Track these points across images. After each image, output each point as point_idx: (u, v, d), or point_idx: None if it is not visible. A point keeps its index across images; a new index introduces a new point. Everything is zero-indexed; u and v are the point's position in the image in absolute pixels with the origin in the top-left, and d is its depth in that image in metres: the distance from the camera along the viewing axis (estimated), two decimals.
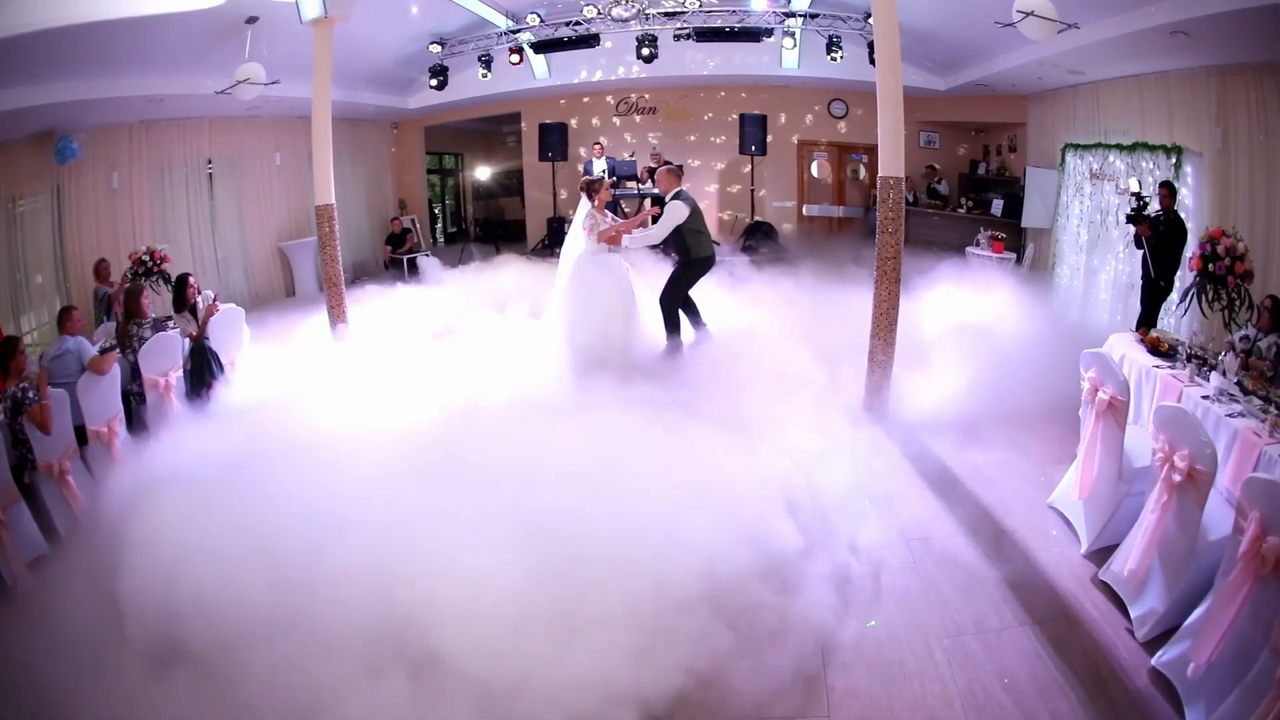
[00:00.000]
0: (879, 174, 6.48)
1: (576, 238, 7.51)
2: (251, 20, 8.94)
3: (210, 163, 11.79)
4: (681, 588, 3.79)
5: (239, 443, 5.29)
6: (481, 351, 7.30)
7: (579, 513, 4.11)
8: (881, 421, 6.20)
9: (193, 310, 7.35)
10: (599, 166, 12.99)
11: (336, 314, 8.27)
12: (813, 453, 5.30)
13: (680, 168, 7.89)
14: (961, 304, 8.76)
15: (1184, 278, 7.64)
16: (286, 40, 9.00)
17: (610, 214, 7.76)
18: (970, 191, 14.27)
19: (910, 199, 14.21)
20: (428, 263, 12.74)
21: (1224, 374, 4.85)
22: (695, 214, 7.56)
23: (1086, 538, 4.65)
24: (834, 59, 11.85)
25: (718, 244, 8.86)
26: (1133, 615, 3.96)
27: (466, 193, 18.35)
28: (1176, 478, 3.73)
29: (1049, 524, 5.00)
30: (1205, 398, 4.70)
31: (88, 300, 8.88)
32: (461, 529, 3.93)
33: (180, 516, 4.02)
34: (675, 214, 7.40)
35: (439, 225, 17.88)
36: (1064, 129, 11.20)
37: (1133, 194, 7.98)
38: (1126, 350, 5.82)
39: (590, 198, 7.42)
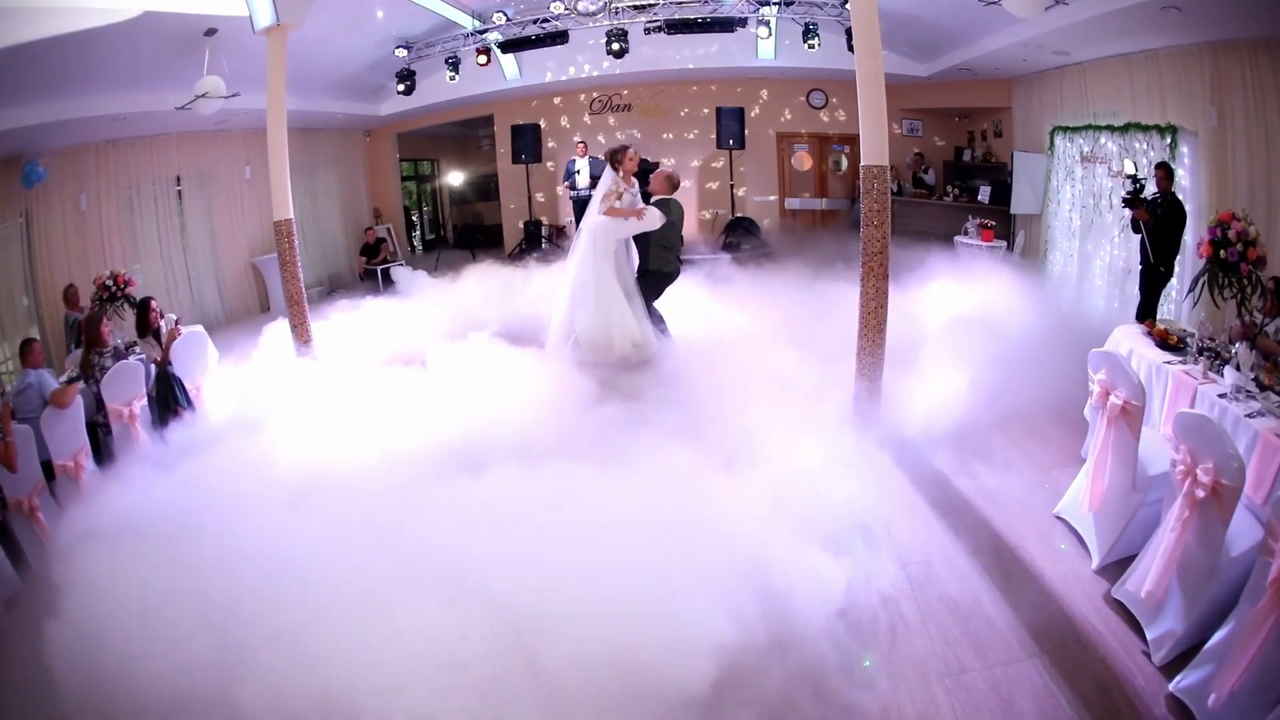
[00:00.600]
0: (861, 163, 6.03)
1: (595, 208, 7.52)
2: (210, 32, 8.64)
3: (179, 180, 11.47)
4: (655, 651, 3.35)
5: (186, 489, 5.04)
6: (446, 382, 6.87)
7: (541, 568, 3.69)
8: (873, 428, 5.69)
9: (156, 335, 7.09)
10: (581, 166, 12.54)
11: (300, 334, 7.93)
12: (800, 471, 4.84)
13: (677, 180, 7.54)
14: (953, 297, 8.44)
15: (1184, 262, 7.36)
16: (247, 51, 8.63)
17: (636, 183, 7.66)
18: (956, 179, 13.90)
19: (895, 189, 13.88)
20: (402, 273, 12.25)
21: (1238, 368, 4.49)
22: (670, 228, 7.41)
23: (1098, 552, 4.28)
24: (811, 47, 11.40)
25: (698, 250, 8.60)
26: (1149, 637, 3.63)
27: (444, 199, 17.92)
28: (1200, 493, 3.38)
29: (1056, 537, 4.62)
30: (1221, 396, 4.33)
31: (60, 327, 8.64)
32: (402, 589, 3.54)
33: (114, 572, 3.76)
34: (649, 220, 7.29)
35: (416, 232, 17.42)
36: (1051, 112, 10.86)
37: (1128, 176, 7.61)
38: (1134, 345, 5.44)
39: (615, 167, 7.40)
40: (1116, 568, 4.12)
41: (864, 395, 6.10)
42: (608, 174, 7.47)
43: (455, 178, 16.10)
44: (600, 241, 7.35)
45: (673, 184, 7.61)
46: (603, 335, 7.32)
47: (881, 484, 5.08)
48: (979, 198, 12.64)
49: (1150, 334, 5.45)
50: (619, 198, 7.37)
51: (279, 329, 8.37)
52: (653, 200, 7.49)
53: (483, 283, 10.88)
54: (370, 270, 13.18)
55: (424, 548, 3.87)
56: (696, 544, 3.94)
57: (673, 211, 7.42)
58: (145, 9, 7.73)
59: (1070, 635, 3.75)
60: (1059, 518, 4.78)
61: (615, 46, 11.18)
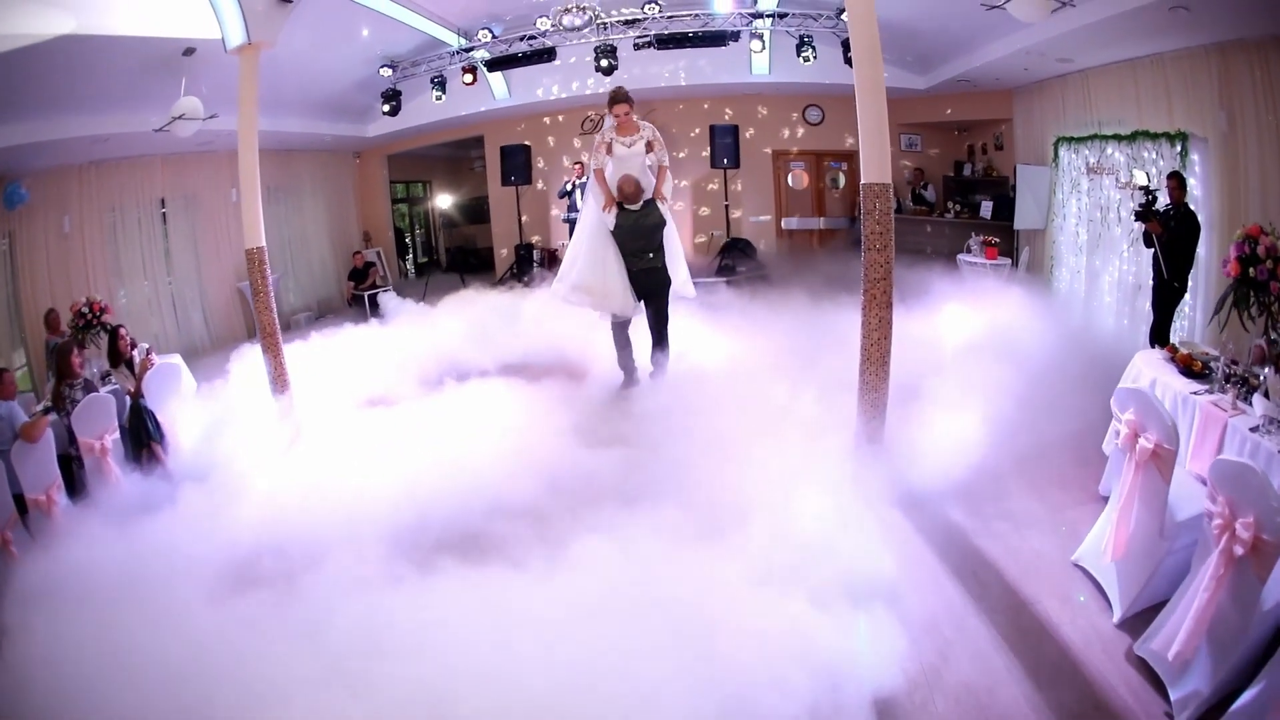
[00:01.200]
0: (862, 180, 5.51)
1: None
2: (189, 52, 8.42)
3: (164, 202, 11.24)
4: None
5: (133, 549, 4.79)
6: (414, 432, 6.45)
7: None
8: (876, 474, 5.09)
9: (129, 364, 7.02)
10: (578, 188, 12.15)
11: (274, 368, 7.30)
12: (794, 533, 4.29)
13: (627, 190, 7.23)
14: (960, 322, 8.01)
15: (1197, 277, 6.95)
16: (227, 72, 8.26)
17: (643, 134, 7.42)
18: (956, 195, 13.54)
19: (895, 206, 13.49)
20: (390, 300, 11.85)
21: (1267, 395, 4.05)
22: (620, 233, 7.25)
23: (1119, 605, 3.83)
24: (805, 59, 11.01)
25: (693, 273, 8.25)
26: (1173, 698, 3.22)
27: (436, 222, 17.59)
28: (1238, 550, 2.94)
29: (1074, 586, 4.15)
30: (1253, 430, 3.88)
31: (42, 352, 8.52)
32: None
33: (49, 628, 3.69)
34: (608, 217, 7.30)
35: (410, 256, 17.08)
36: (1054, 122, 10.46)
37: (1140, 188, 7.17)
38: (1157, 374, 4.97)
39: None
40: (1139, 619, 3.69)
41: (866, 436, 5.57)
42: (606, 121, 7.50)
43: (443, 200, 15.73)
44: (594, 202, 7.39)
45: (623, 194, 7.20)
46: (598, 282, 7.20)
47: (885, 540, 4.49)
48: (981, 213, 12.25)
49: (1173, 360, 5.00)
50: (607, 149, 7.24)
51: (249, 360, 7.94)
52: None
53: (462, 313, 10.40)
54: (359, 295, 12.74)
55: (372, 651, 3.46)
56: (671, 631, 3.46)
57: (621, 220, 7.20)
58: (122, 33, 7.62)
59: (1090, 702, 3.30)
60: (1078, 565, 4.31)
61: (604, 63, 10.83)
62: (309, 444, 6.49)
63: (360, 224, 15.24)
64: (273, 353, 7.17)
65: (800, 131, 14.23)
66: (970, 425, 5.63)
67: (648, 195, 7.24)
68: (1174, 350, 5.10)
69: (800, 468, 4.97)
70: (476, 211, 16.66)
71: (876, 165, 5.39)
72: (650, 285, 7.30)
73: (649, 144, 7.27)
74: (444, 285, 13.59)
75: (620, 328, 7.47)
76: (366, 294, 12.58)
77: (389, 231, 15.74)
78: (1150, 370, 5.04)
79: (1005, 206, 11.69)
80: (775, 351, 7.70)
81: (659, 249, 7.29)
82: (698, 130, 14.01)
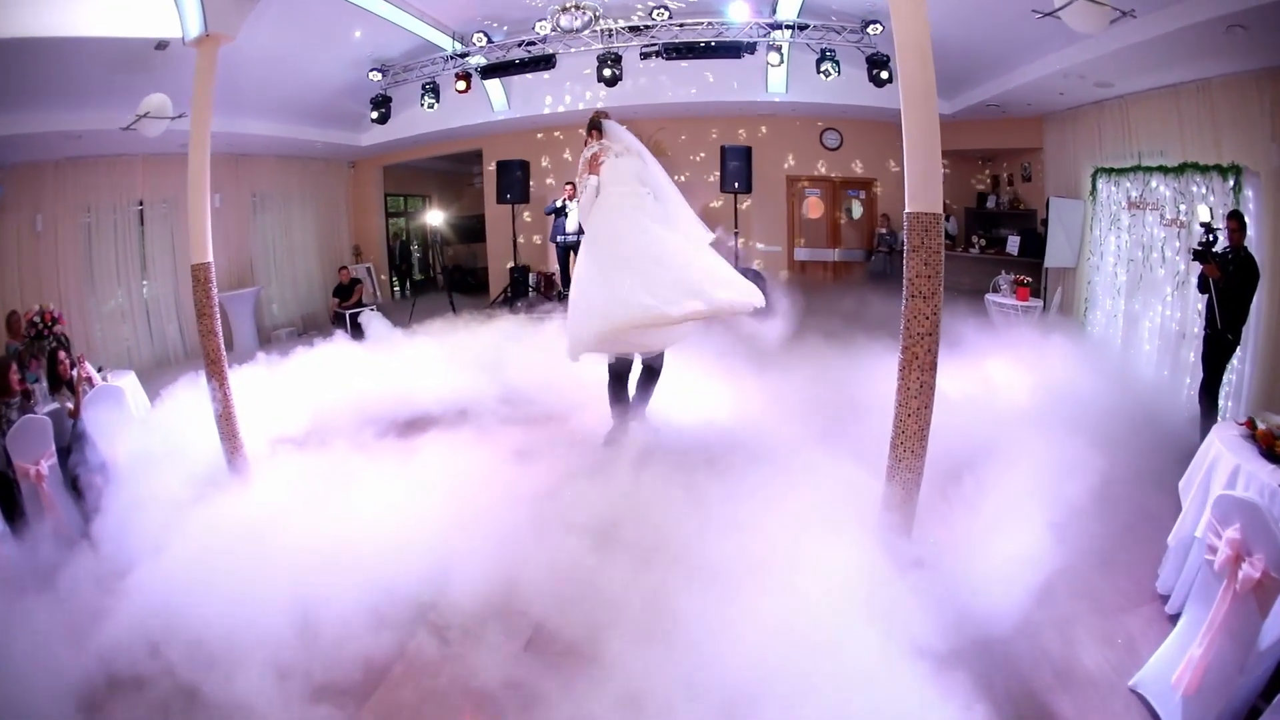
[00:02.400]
0: (908, 209, 4.38)
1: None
2: (161, 46, 8.05)
3: (141, 204, 10.79)
4: None
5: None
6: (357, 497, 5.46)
7: None
8: (904, 572, 4.06)
9: (70, 385, 6.50)
10: (570, 210, 11.43)
11: (224, 414, 6.22)
12: (804, 656, 3.38)
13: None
14: (994, 377, 7.23)
15: (1251, 329, 6.34)
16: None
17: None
18: (978, 228, 12.85)
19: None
20: (372, 320, 10.83)
21: None
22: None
23: None
24: (826, 74, 10.24)
25: None
26: None
27: (429, 239, 16.99)
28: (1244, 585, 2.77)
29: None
30: None
31: None
32: None
33: None
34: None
35: (410, 274, 16.44)
36: (1087, 152, 9.81)
37: (1202, 225, 6.46)
38: (1238, 458, 3.96)
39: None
40: None
41: (895, 525, 4.43)
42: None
43: (434, 217, 14.96)
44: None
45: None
46: (621, 315, 5.64)
47: (913, 661, 3.46)
48: (1008, 249, 11.54)
49: (1254, 438, 4.08)
50: (591, 167, 6.17)
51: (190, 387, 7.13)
52: None
53: (441, 342, 9.50)
54: (342, 314, 12.06)
55: None
56: None
57: None
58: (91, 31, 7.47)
59: None
60: (1136, 692, 3.50)
61: (607, 72, 10.13)
62: (237, 495, 5.70)
63: (352, 237, 14.66)
64: (218, 381, 6.19)
65: (817, 156, 13.52)
66: (1010, 507, 4.68)
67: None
68: (1252, 425, 4.20)
69: (813, 564, 4.03)
70: (472, 230, 15.97)
71: (925, 189, 4.34)
72: None
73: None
74: (434, 307, 12.85)
75: (618, 377, 6.57)
76: (348, 313, 11.89)
77: (381, 246, 15.11)
78: (1231, 455, 4.05)
79: (1034, 242, 11.03)
80: (784, 409, 6.90)
81: None
82: (703, 154, 13.37)
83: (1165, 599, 4.01)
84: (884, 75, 9.88)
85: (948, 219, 12.90)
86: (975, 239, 12.35)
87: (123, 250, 10.56)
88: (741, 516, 4.65)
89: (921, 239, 4.29)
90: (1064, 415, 6.19)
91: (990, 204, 12.93)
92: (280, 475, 5.92)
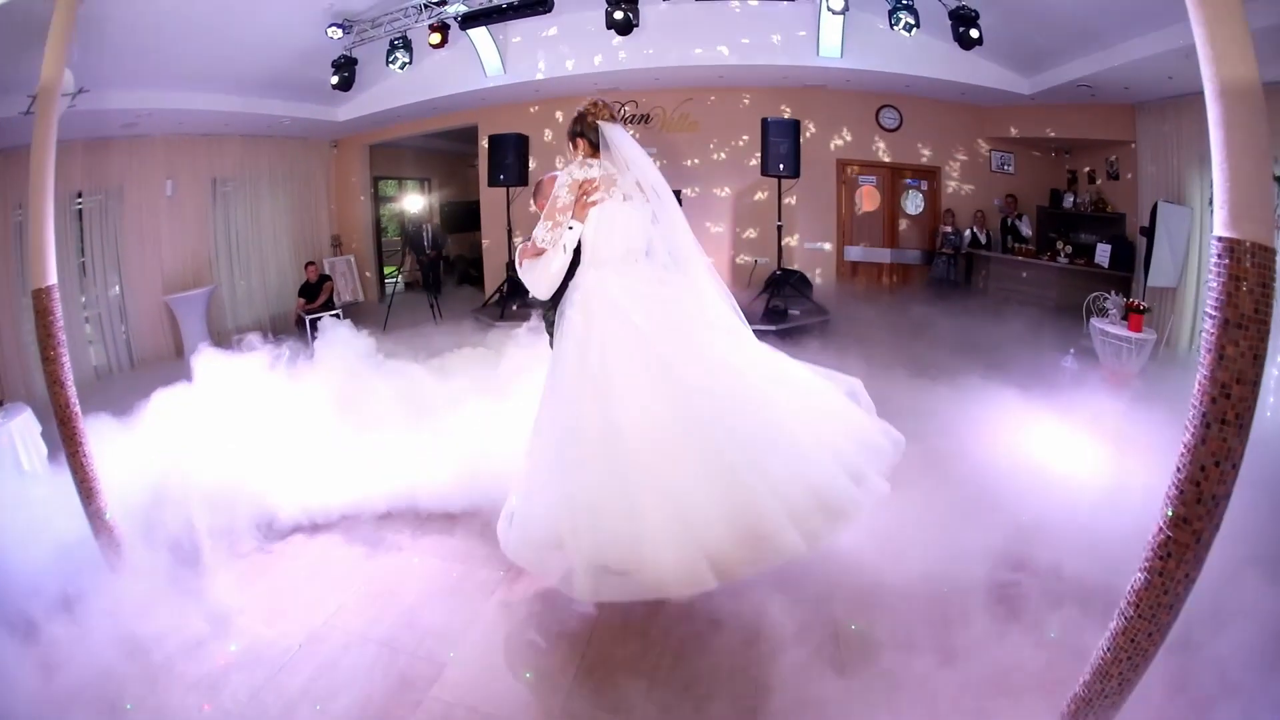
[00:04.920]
0: (1219, 230, 2.56)
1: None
2: None
3: (80, 195, 9.88)
4: None
5: None
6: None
7: None
8: None
9: None
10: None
11: (92, 510, 4.60)
12: None
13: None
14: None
15: None
16: (122, 35, 7.53)
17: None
18: (1051, 230, 11.69)
19: (983, 240, 11.69)
20: (329, 329, 9.40)
21: None
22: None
23: None
24: (907, 29, 8.64)
25: None
26: None
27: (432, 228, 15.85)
28: None
29: None
30: None
31: None
32: None
33: None
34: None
35: (399, 266, 15.30)
36: (1194, 151, 8.78)
37: None
38: None
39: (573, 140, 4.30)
40: None
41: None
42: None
43: (413, 202, 13.73)
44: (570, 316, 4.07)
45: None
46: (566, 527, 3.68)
47: None
48: (1096, 259, 10.30)
49: None
50: (580, 202, 4.05)
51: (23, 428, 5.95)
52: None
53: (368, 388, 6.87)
54: (312, 315, 11.03)
55: None
56: None
57: None
58: None
59: None
60: None
61: (619, 15, 8.70)
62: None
63: (333, 226, 13.65)
64: (72, 445, 4.58)
65: (872, 137, 12.28)
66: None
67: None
68: None
69: None
70: (466, 217, 14.85)
71: (1249, 203, 2.59)
72: None
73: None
74: (414, 310, 11.82)
75: None
76: (310, 317, 10.87)
77: (368, 237, 14.06)
78: None
79: (1125, 253, 9.89)
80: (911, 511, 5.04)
81: None
82: (742, 131, 12.11)
83: None
84: (974, 34, 8.48)
85: (1020, 218, 11.76)
86: (1060, 245, 11.11)
87: (61, 248, 9.38)
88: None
89: (1241, 280, 2.59)
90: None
91: (1067, 203, 11.72)
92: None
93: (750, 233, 12.29)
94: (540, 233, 3.96)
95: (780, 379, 4.05)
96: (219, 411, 5.88)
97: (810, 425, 3.85)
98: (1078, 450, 5.60)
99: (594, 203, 3.99)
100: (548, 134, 12.50)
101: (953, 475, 5.13)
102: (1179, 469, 2.55)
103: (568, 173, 4.02)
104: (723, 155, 12.21)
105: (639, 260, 4.09)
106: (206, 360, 6.22)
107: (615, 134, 4.09)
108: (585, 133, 4.14)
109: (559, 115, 12.38)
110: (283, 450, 5.58)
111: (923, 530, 4.46)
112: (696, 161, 12.26)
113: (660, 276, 4.08)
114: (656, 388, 3.70)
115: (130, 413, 5.78)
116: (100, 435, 5.17)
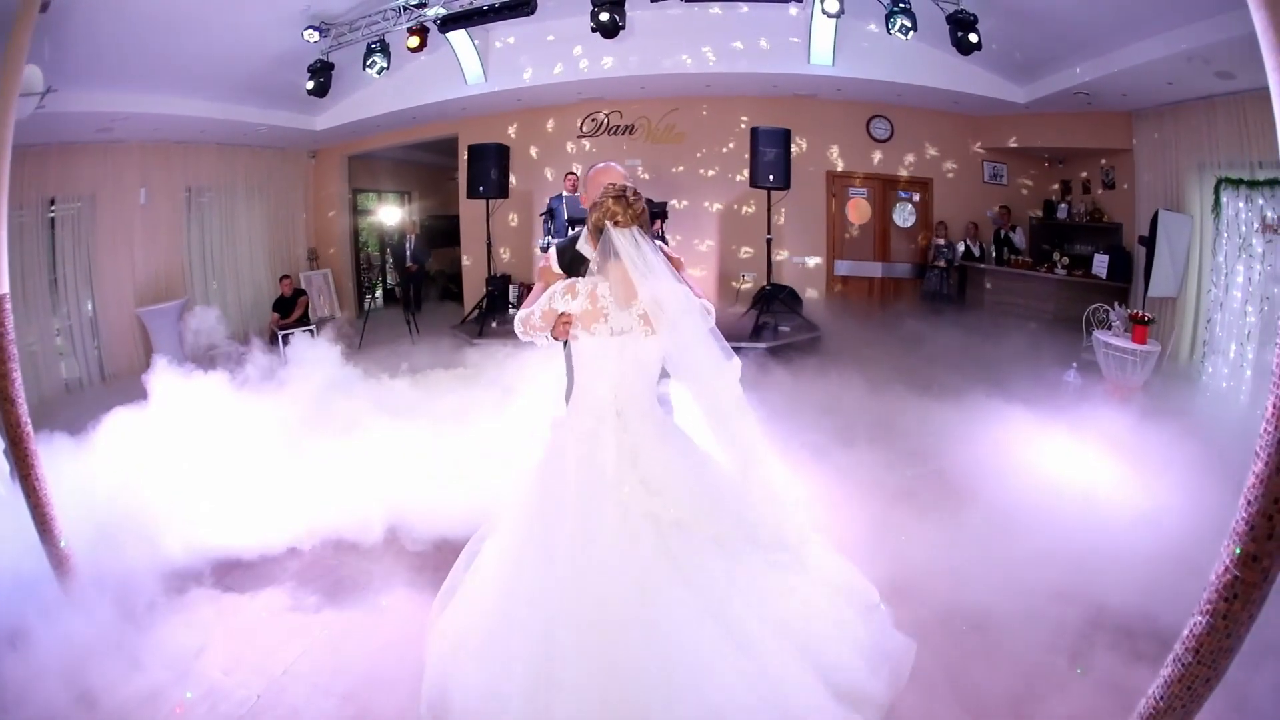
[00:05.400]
0: None
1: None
2: (44, 8, 6.76)
3: (53, 203, 9.61)
4: None
5: None
6: None
7: None
8: None
9: None
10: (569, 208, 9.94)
11: (47, 537, 4.21)
12: None
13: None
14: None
15: None
16: (95, 34, 7.40)
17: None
18: (1045, 241, 11.59)
19: (977, 252, 11.50)
20: (298, 346, 8.59)
21: None
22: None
23: None
24: (904, 30, 8.36)
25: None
26: None
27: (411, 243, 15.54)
28: None
29: None
30: None
31: None
32: None
33: None
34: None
35: (380, 282, 15.05)
36: (1194, 158, 8.69)
37: None
38: None
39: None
40: None
41: None
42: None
43: (391, 214, 13.29)
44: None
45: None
46: None
47: None
48: (1094, 269, 10.14)
49: None
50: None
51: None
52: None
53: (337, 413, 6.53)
54: (286, 330, 10.83)
55: None
56: None
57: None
58: None
59: None
60: None
61: (605, 17, 8.28)
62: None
63: (309, 239, 13.40)
64: (24, 469, 4.21)
65: (863, 149, 12.14)
66: None
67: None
68: None
69: None
70: (447, 231, 14.60)
71: None
72: None
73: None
74: (392, 326, 11.61)
75: None
76: (283, 333, 10.61)
77: (346, 250, 13.81)
78: None
79: (1124, 263, 9.77)
80: (858, 509, 5.03)
81: None
82: (730, 141, 11.94)
83: None
84: (972, 39, 8.26)
85: (1014, 229, 11.59)
86: (1058, 258, 10.96)
87: (30, 256, 9.34)
88: None
89: None
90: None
91: (1061, 214, 11.63)
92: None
93: (746, 250, 12.11)
94: (523, 312, 3.43)
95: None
96: (176, 435, 5.55)
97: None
98: (1095, 470, 5.37)
99: (574, 338, 3.29)
100: (533, 151, 12.38)
101: (971, 498, 4.91)
102: (1249, 501, 2.30)
103: (563, 283, 3.32)
104: (712, 170, 12.07)
105: (639, 414, 3.27)
106: (163, 378, 5.89)
107: (624, 245, 3.17)
108: (596, 226, 3.27)
109: (550, 124, 12.28)
110: (242, 479, 5.25)
111: (951, 557, 4.24)
112: (681, 169, 12.12)
113: (660, 443, 3.28)
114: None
115: (88, 431, 5.45)
116: (56, 456, 4.89)
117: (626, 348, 3.21)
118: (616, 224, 3.20)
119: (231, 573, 4.60)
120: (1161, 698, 2.45)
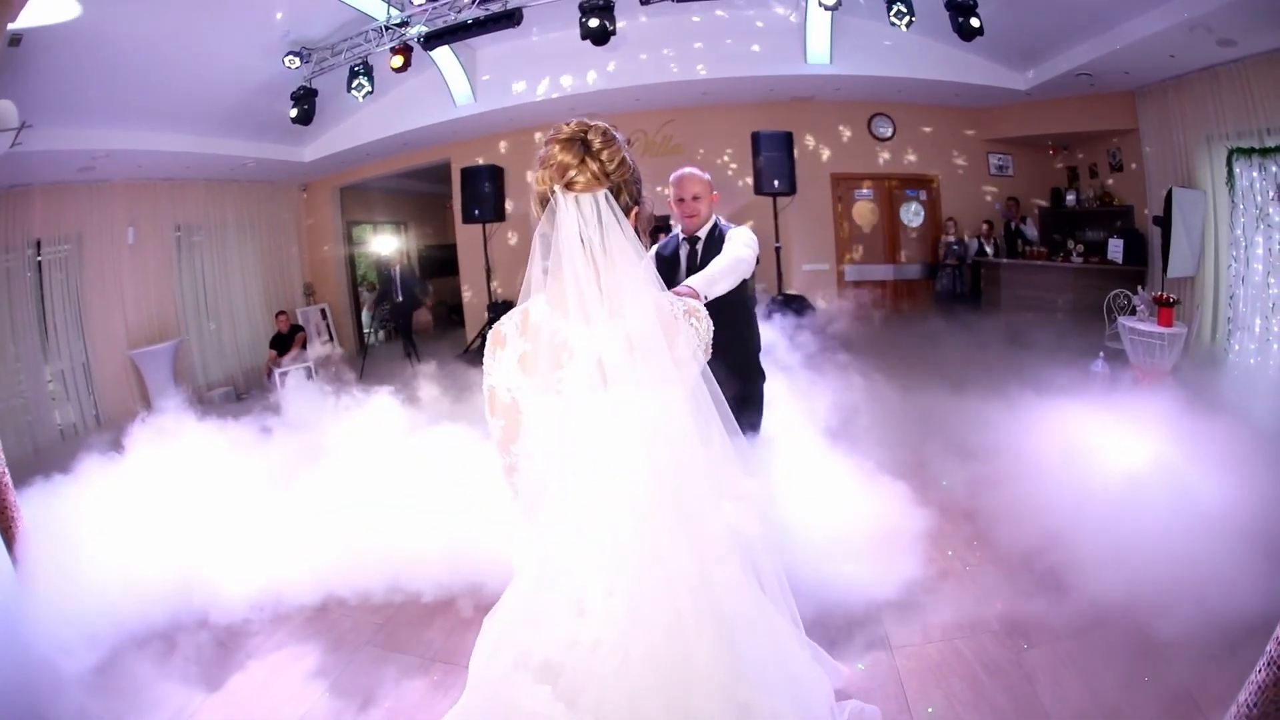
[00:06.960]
0: None
1: None
2: (15, 42, 6.97)
3: (40, 246, 9.58)
4: None
5: None
6: None
7: None
8: None
9: None
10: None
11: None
12: None
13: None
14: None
15: None
16: (69, 70, 7.43)
17: None
18: (1055, 230, 11.46)
19: (991, 249, 11.32)
20: (298, 383, 8.90)
21: None
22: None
23: None
24: (897, 19, 8.21)
25: None
26: None
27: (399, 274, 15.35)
28: None
29: None
30: None
31: None
32: None
33: None
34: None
35: (374, 317, 14.81)
36: (1201, 131, 8.62)
37: None
38: None
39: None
40: None
41: None
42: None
43: (385, 244, 13.27)
44: None
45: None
46: None
47: None
48: (1110, 254, 10.02)
49: None
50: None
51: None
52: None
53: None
54: (279, 370, 10.60)
55: None
56: None
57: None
58: None
59: None
60: None
61: (594, 24, 8.10)
62: None
63: (305, 274, 13.34)
64: (3, 520, 4.01)
65: (867, 149, 12.00)
66: None
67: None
68: None
69: None
70: (445, 260, 14.46)
71: None
72: None
73: None
74: (392, 359, 11.50)
75: None
76: (279, 371, 10.43)
77: (342, 284, 13.73)
78: None
79: (1137, 246, 9.67)
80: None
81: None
82: (731, 150, 11.78)
83: None
84: (974, 23, 8.06)
85: (1024, 220, 11.46)
86: (1072, 246, 10.86)
87: (18, 305, 9.25)
88: None
89: None
90: None
91: (1070, 201, 11.53)
92: None
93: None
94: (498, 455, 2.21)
95: None
96: (164, 487, 5.25)
97: None
98: (1156, 462, 4.96)
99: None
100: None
101: (1038, 493, 4.68)
102: None
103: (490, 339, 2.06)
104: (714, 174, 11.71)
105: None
106: (147, 428, 5.75)
107: (572, 222, 1.92)
108: (541, 199, 2.02)
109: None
110: (236, 530, 5.01)
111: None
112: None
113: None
114: None
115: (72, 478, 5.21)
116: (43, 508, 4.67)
117: (629, 408, 1.88)
118: (570, 188, 1.92)
119: (232, 627, 4.31)
120: (1255, 704, 2.17)
